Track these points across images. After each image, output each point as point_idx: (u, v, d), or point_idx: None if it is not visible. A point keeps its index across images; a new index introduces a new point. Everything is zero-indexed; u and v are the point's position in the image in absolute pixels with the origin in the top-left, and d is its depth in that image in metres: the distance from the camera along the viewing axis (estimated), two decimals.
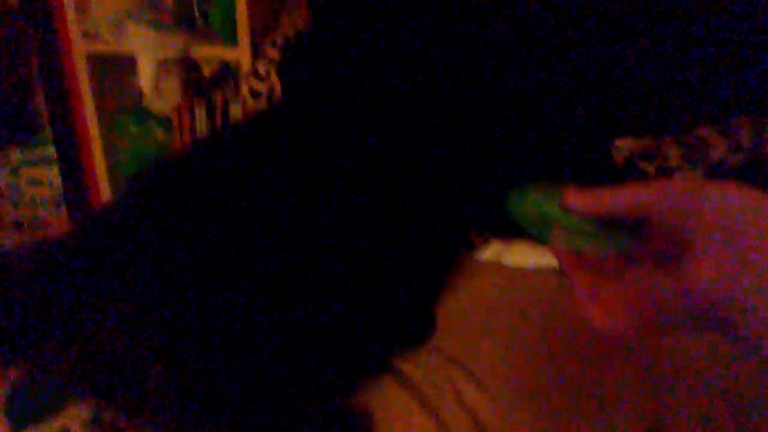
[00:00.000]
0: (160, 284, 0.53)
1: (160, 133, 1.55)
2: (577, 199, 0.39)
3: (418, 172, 0.71)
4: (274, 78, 1.18)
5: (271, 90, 1.18)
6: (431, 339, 0.69)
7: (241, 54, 1.35)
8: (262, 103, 1.18)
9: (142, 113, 1.59)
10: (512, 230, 0.81)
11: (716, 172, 0.68)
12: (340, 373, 0.68)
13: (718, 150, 0.73)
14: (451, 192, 0.82)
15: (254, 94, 1.19)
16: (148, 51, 1.36)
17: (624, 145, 0.83)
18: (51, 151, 1.84)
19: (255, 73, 1.20)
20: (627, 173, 0.79)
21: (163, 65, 1.46)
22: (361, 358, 0.69)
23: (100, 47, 1.42)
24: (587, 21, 0.96)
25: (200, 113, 1.52)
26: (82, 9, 1.41)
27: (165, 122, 1.57)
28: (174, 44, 1.37)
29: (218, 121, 1.53)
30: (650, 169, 0.76)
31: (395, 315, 0.70)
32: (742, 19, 0.96)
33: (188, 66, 1.56)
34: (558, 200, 0.40)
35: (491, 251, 0.78)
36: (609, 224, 0.38)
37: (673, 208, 0.36)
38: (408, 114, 0.76)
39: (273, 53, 1.23)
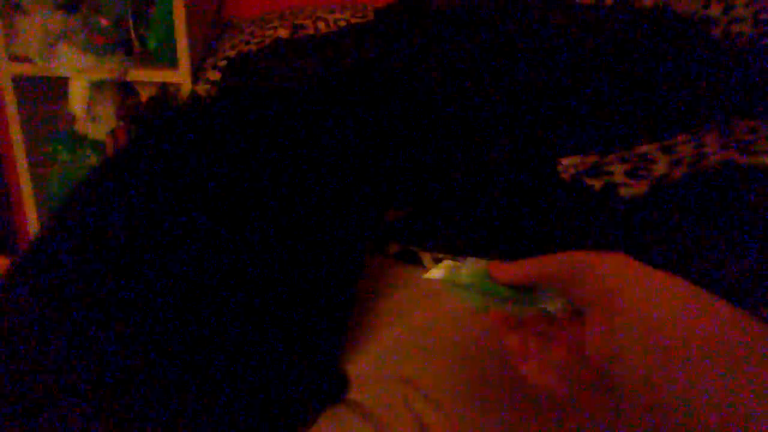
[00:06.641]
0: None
1: (94, 159, 1.48)
2: (500, 272, 0.45)
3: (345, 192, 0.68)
4: None
5: None
6: (343, 394, 0.65)
7: (181, 77, 1.31)
8: None
9: (74, 139, 1.52)
10: (464, 249, 0.80)
11: (660, 186, 0.69)
12: None
13: (660, 165, 0.75)
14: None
15: None
16: (80, 74, 1.31)
17: (570, 163, 0.84)
18: None
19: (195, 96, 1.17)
20: (574, 190, 0.79)
21: (97, 89, 1.40)
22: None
23: (28, 70, 1.35)
24: (531, 40, 0.98)
25: None
26: (10, 30, 1.34)
27: (99, 148, 1.50)
28: (109, 67, 1.31)
29: None
30: (596, 185, 0.77)
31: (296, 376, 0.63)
32: (679, 40, 1.01)
33: (124, 89, 1.51)
34: (486, 273, 0.46)
35: (443, 270, 0.76)
36: (534, 289, 0.44)
37: (567, 279, 0.40)
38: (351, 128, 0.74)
39: (214, 75, 1.20)
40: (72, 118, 1.52)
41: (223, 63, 1.24)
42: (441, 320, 0.73)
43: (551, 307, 0.43)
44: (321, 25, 1.29)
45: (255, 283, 0.56)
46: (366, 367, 0.69)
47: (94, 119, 1.44)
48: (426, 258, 0.81)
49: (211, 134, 0.56)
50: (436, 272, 0.77)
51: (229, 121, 0.58)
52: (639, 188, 0.72)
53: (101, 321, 0.48)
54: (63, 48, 1.28)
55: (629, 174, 0.76)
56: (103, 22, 1.34)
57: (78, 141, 1.51)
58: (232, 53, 1.27)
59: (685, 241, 0.58)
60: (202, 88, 1.21)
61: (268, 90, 0.83)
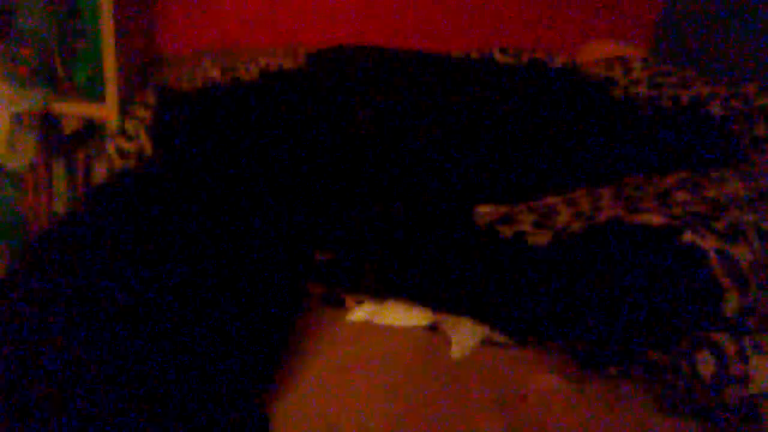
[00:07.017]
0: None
1: (11, 193, 1.43)
2: None
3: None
4: (143, 138, 1.15)
5: (141, 149, 1.15)
6: None
7: (108, 112, 1.31)
8: (131, 162, 1.14)
9: None
10: (384, 291, 0.84)
11: (561, 237, 0.76)
12: None
13: (564, 216, 0.82)
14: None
15: (122, 153, 1.14)
16: (1, 105, 1.28)
17: (485, 211, 0.90)
18: None
19: (123, 133, 1.17)
20: (488, 237, 0.85)
21: (17, 120, 1.37)
22: None
23: None
24: (451, 95, 1.06)
25: (59, 172, 1.43)
26: None
27: (18, 181, 1.46)
28: (32, 99, 1.29)
29: (80, 179, 1.44)
30: (508, 232, 0.83)
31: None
32: (585, 100, 1.11)
33: (46, 122, 1.48)
34: None
35: (363, 312, 0.80)
36: None
37: None
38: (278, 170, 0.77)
39: (143, 113, 1.20)
40: None
41: (153, 100, 1.24)
42: (363, 359, 0.76)
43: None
44: (252, 68, 1.32)
45: (187, 326, 0.58)
46: (288, 407, 0.71)
47: (13, 151, 1.40)
48: (348, 300, 0.84)
49: (146, 198, 0.59)
50: (358, 314, 0.80)
51: (162, 184, 0.61)
52: (544, 237, 0.79)
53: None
54: None
55: (536, 224, 0.82)
56: (27, 52, 1.32)
57: None
58: (161, 90, 1.27)
59: (574, 295, 0.65)
60: (130, 124, 1.21)
61: (198, 136, 0.86)
